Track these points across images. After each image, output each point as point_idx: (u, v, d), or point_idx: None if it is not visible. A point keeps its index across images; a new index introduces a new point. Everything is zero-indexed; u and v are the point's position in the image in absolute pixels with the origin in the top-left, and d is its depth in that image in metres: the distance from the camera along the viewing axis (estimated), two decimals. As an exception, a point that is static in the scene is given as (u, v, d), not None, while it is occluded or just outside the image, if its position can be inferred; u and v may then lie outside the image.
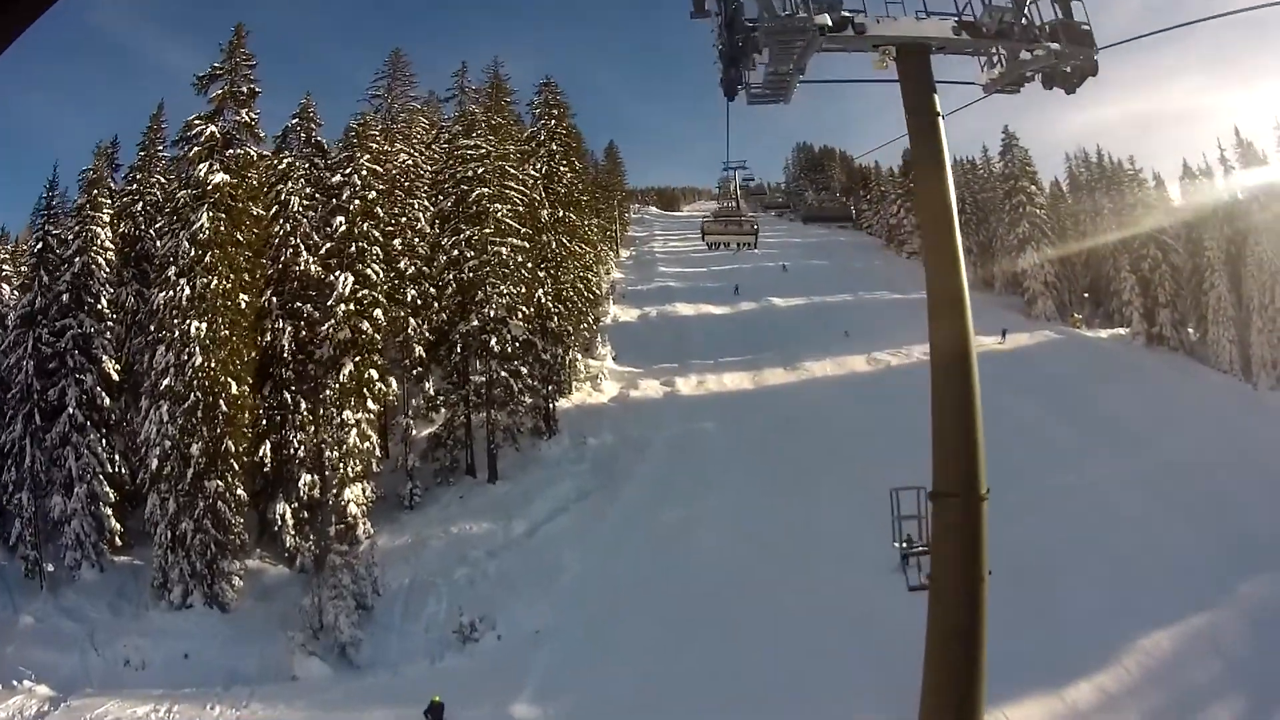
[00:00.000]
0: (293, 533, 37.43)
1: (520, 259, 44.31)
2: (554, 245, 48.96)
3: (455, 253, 43.23)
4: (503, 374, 42.54)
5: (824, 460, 42.63)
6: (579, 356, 53.99)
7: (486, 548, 38.16)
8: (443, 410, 43.00)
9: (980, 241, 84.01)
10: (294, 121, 44.70)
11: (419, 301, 43.01)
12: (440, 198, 45.77)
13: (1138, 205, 72.67)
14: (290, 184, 42.06)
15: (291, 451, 38.58)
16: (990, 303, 74.91)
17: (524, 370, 43.81)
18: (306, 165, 44.18)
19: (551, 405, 47.45)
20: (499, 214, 43.88)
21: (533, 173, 49.59)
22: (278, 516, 37.40)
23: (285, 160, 43.08)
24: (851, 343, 60.49)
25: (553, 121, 53.06)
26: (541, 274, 47.61)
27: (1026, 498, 33.95)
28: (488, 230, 43.22)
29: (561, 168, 51.84)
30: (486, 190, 43.85)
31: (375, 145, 45.41)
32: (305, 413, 39.17)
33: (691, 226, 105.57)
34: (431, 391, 43.30)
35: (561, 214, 50.39)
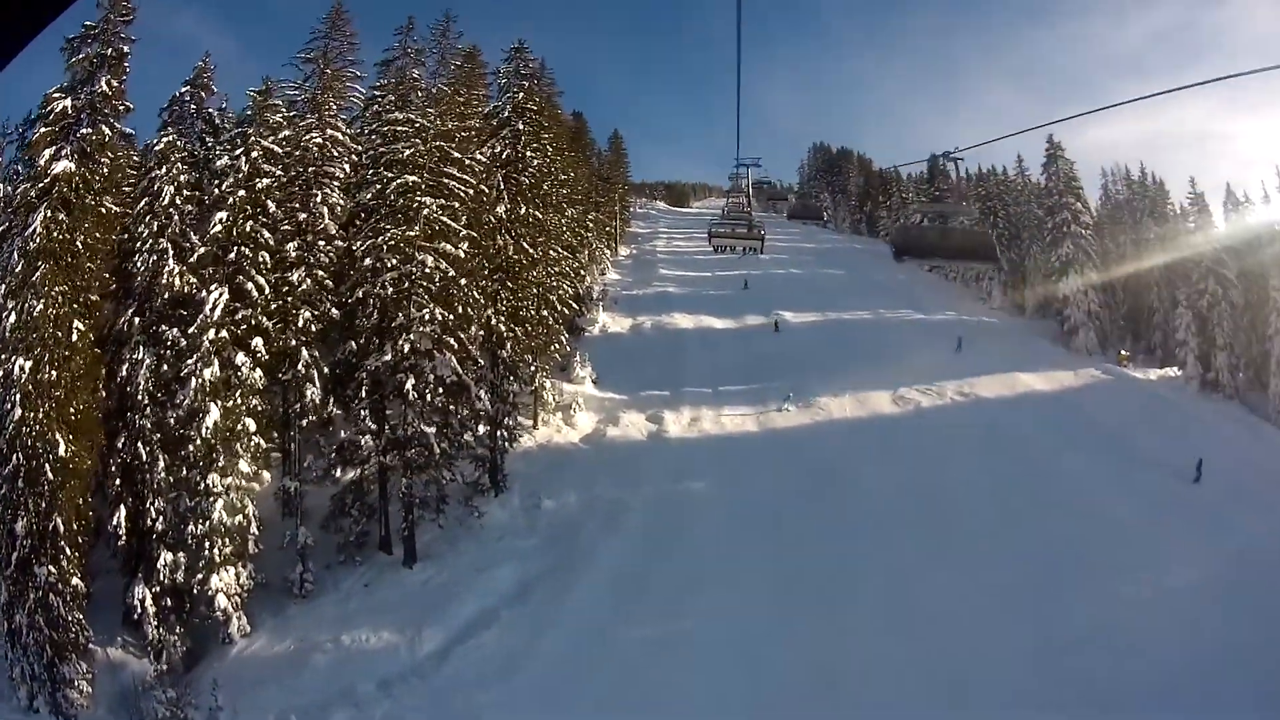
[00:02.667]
0: (154, 623, 26.85)
1: (453, 272, 31.71)
2: (511, 251, 36.61)
3: (369, 262, 30.87)
4: (422, 428, 30.27)
5: (851, 549, 31.15)
6: (546, 385, 41.75)
7: (381, 674, 25.92)
8: (347, 469, 30.68)
9: (1011, 260, 72.17)
10: (183, 90, 32.60)
11: (314, 327, 30.73)
12: (360, 189, 33.34)
13: (1196, 232, 60.21)
14: (166, 169, 30.12)
15: (149, 523, 27.44)
16: (1023, 330, 63.56)
17: (455, 420, 31.46)
18: (197, 145, 32.43)
19: (499, 456, 35.31)
20: (429, 211, 31.38)
21: (480, 157, 36.82)
22: (137, 602, 26.64)
23: (164, 140, 30.97)
24: (875, 374, 48.24)
25: (520, 94, 40.00)
26: (494, 287, 35.47)
27: (1105, 617, 27.31)
28: (413, 232, 30.81)
29: (528, 153, 39.09)
30: (414, 179, 31.38)
31: (279, 120, 32.76)
32: (162, 473, 27.75)
33: (699, 225, 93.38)
34: (336, 443, 31.08)
35: (524, 211, 37.95)
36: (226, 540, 27.51)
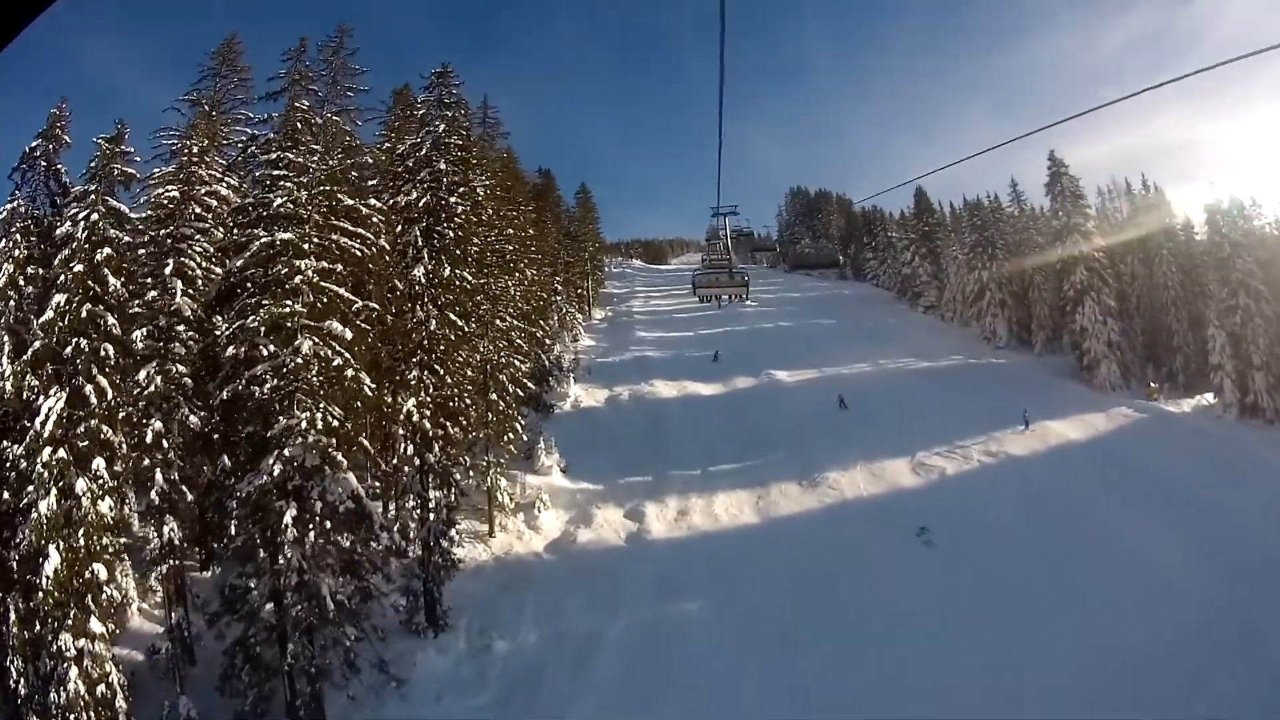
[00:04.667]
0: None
1: (340, 360, 22.77)
2: (433, 325, 27.93)
3: (233, 351, 22.33)
4: (312, 574, 21.70)
5: (890, 674, 23.89)
6: (501, 482, 33.63)
7: None
8: (234, 623, 22.49)
9: (1014, 293, 64.98)
10: (34, 144, 25.06)
11: (169, 440, 22.61)
12: (234, 255, 24.45)
13: (1224, 244, 53.13)
14: (6, 243, 22.86)
15: (11, 685, 20.31)
16: (1036, 369, 56.23)
17: (361, 558, 23.06)
18: (44, 213, 24.93)
19: (436, 588, 27.03)
20: (304, 278, 22.83)
21: (378, 203, 28.27)
22: (15, 783, 19.08)
23: (7, 207, 23.67)
24: (887, 438, 40.78)
25: (442, 126, 30.79)
26: (414, 373, 27.40)
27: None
28: (285, 309, 22.25)
29: (452, 199, 29.83)
30: (288, 236, 22.89)
31: (128, 174, 24.78)
32: (14, 627, 20.41)
33: (678, 281, 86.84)
34: (220, 590, 22.97)
35: (449, 273, 29.09)
36: (91, 715, 19.86)
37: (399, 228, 28.20)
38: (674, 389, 52.22)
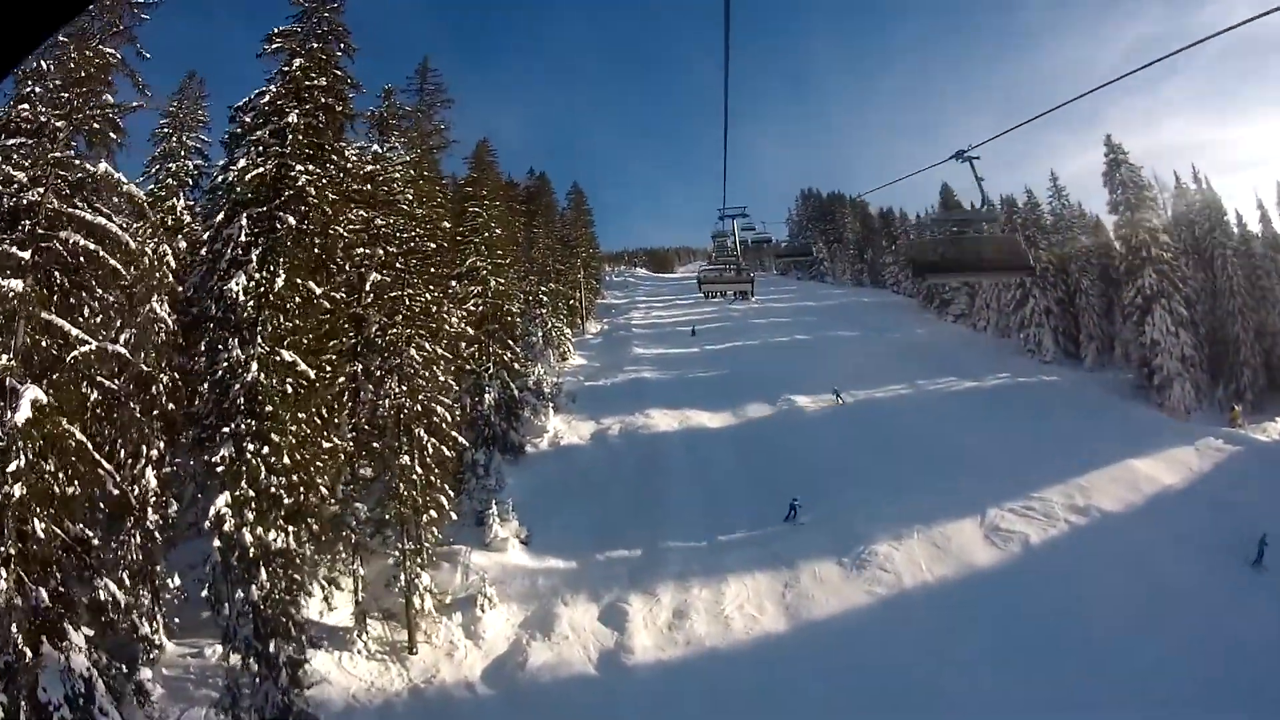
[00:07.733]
0: None
1: (27, 459, 11.42)
2: (254, 371, 16.27)
3: None
4: None
5: None
6: (424, 579, 22.84)
7: None
8: None
9: (1059, 299, 53.97)
10: None
11: None
12: None
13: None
14: None
15: None
16: (1094, 388, 45.53)
17: None
18: None
19: None
20: None
21: (126, 181, 15.75)
22: None
23: None
24: (945, 489, 30.46)
25: (300, 63, 19.14)
26: (218, 454, 15.97)
27: None
28: None
29: (304, 167, 18.10)
30: None
31: None
32: None
33: (683, 291, 76.27)
34: None
35: (284, 283, 17.29)
36: None
37: (219, 216, 17.35)
38: (674, 420, 41.15)
